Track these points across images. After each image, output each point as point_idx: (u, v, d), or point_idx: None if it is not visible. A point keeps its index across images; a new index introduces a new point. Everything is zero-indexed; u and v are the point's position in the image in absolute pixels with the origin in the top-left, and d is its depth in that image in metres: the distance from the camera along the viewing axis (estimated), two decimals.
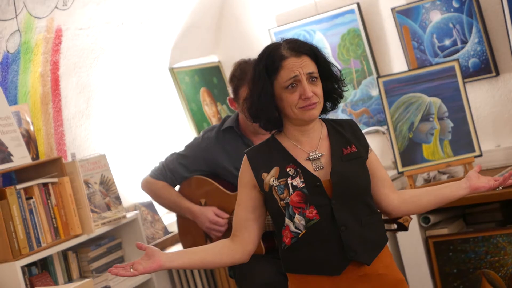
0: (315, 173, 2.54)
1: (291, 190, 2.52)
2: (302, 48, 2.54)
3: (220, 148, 3.60)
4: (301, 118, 2.53)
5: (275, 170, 2.55)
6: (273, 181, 2.54)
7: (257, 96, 2.54)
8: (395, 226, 3.06)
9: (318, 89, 2.54)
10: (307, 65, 2.52)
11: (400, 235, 4.14)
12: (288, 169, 2.54)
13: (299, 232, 2.52)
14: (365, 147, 2.66)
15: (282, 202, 2.53)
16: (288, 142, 2.60)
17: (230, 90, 3.58)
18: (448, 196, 2.69)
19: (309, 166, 2.55)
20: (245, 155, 2.61)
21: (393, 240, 4.21)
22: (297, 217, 2.51)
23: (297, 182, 2.52)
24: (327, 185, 2.52)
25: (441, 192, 2.69)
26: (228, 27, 5.28)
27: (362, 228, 2.54)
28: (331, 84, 2.60)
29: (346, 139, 2.63)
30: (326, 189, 2.52)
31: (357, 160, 2.61)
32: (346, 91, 2.67)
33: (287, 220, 2.53)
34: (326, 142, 2.62)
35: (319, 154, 2.57)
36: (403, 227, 3.06)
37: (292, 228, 2.52)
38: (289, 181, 2.53)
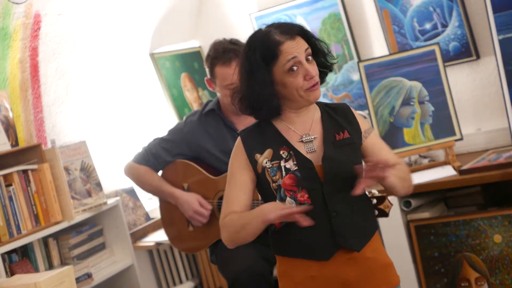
0: (308, 156, 2.53)
1: (283, 172, 2.51)
2: (294, 30, 2.52)
3: (203, 131, 3.59)
4: (307, 100, 2.51)
5: (268, 152, 2.54)
6: (266, 162, 2.52)
7: (259, 87, 2.49)
8: (376, 212, 3.05)
9: (315, 67, 2.53)
10: (303, 45, 2.50)
11: (381, 219, 4.15)
12: (281, 152, 2.53)
13: None
14: (358, 131, 2.63)
15: (274, 184, 2.51)
16: (281, 124, 2.58)
17: (207, 71, 3.58)
18: None
19: (301, 148, 2.54)
20: (239, 136, 2.59)
21: None
22: (288, 200, 2.50)
23: (290, 165, 2.51)
24: (319, 170, 2.52)
25: None
26: (209, 12, 5.25)
27: (353, 214, 2.55)
28: (320, 59, 2.58)
29: (339, 124, 2.62)
30: (318, 173, 2.51)
31: (350, 146, 2.60)
32: (335, 63, 2.67)
33: (278, 202, 2.51)
34: (319, 125, 2.61)
35: (312, 137, 2.57)
36: (384, 213, 3.06)
37: None
38: (282, 163, 2.51)
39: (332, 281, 2.54)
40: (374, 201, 3.04)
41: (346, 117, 2.65)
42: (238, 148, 2.58)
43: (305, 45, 2.51)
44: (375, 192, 3.10)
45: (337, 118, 2.63)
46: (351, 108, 2.68)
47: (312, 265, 2.54)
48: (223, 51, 3.49)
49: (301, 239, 2.52)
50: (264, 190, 2.56)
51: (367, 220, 2.62)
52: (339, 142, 2.58)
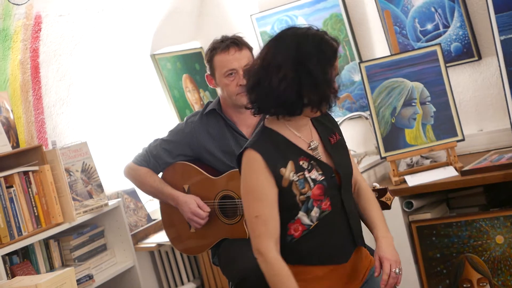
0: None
1: (311, 183, 2.50)
2: None
3: (204, 131, 3.58)
4: (334, 101, 2.51)
5: (291, 165, 2.50)
6: (293, 175, 2.49)
7: (309, 83, 2.43)
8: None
9: None
10: None
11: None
12: (301, 162, 2.51)
13: (311, 224, 2.52)
14: (339, 130, 2.68)
15: (302, 197, 2.49)
16: (287, 132, 2.55)
17: (206, 68, 3.56)
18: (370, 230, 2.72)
19: (316, 156, 2.55)
20: (254, 152, 2.49)
21: None
22: (314, 210, 2.51)
23: (315, 175, 2.51)
24: (336, 176, 2.55)
25: (370, 226, 2.73)
26: (210, 12, 5.25)
27: (356, 212, 2.64)
28: None
29: (328, 128, 2.64)
30: (337, 180, 2.55)
31: (342, 147, 2.64)
32: None
33: (300, 214, 2.51)
34: (314, 131, 2.61)
35: (316, 144, 2.57)
36: (386, 206, 3.07)
37: (305, 221, 2.51)
38: (307, 174, 2.50)
39: (343, 276, 2.60)
40: (376, 194, 3.05)
41: (329, 119, 2.68)
42: (258, 164, 2.48)
43: None
44: (376, 185, 3.10)
45: (323, 121, 2.65)
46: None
47: (325, 272, 2.56)
48: (221, 40, 3.48)
49: (321, 245, 2.54)
50: (286, 203, 2.51)
51: None
52: (334, 145, 2.61)
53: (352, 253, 2.60)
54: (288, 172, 2.49)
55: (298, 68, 2.42)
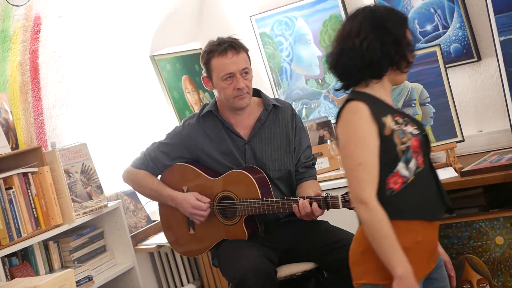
0: None
1: (409, 135, 2.58)
2: None
3: (201, 133, 3.58)
4: (403, 78, 2.70)
5: (390, 116, 2.59)
6: (394, 124, 2.57)
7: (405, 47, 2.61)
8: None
9: None
10: None
11: None
12: (396, 118, 2.59)
13: (409, 177, 2.57)
14: None
15: (402, 146, 2.55)
16: (380, 92, 2.65)
17: (202, 70, 3.56)
18: None
19: None
20: (358, 102, 2.56)
21: None
22: (413, 162, 2.57)
23: (411, 129, 2.60)
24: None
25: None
26: (209, 14, 5.25)
27: None
28: None
29: None
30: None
31: None
32: None
33: (400, 165, 2.55)
34: None
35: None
36: None
37: (404, 172, 2.56)
38: (403, 127, 2.58)
39: (429, 247, 2.66)
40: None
41: None
42: (363, 112, 2.54)
43: None
44: None
45: None
46: None
47: (419, 230, 2.59)
48: (218, 43, 3.48)
49: (420, 200, 2.60)
50: (387, 154, 2.55)
51: None
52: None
53: (442, 213, 2.69)
54: (389, 120, 2.57)
55: (377, 29, 2.57)
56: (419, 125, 2.65)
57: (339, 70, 2.66)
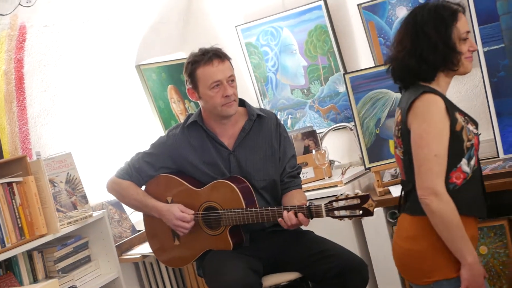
0: None
1: (472, 133, 2.64)
2: None
3: (186, 143, 3.58)
4: (467, 68, 2.71)
5: (457, 113, 2.64)
6: (464, 121, 2.62)
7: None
8: (361, 212, 3.08)
9: None
10: None
11: (366, 229, 4.16)
12: (457, 116, 2.63)
13: (469, 174, 2.63)
14: None
15: (468, 143, 2.62)
16: (444, 88, 2.72)
17: (187, 81, 3.56)
18: None
19: None
20: (435, 95, 2.61)
21: (360, 232, 4.23)
22: (473, 159, 2.64)
23: (472, 128, 2.66)
24: None
25: None
26: (195, 23, 5.26)
27: None
28: None
29: None
30: None
31: None
32: None
33: (463, 161, 2.61)
34: None
35: None
36: (369, 213, 3.09)
37: (466, 168, 2.62)
38: (466, 125, 2.63)
39: (476, 244, 2.70)
40: (358, 201, 3.08)
41: None
42: (440, 106, 2.59)
43: None
44: (358, 192, 3.12)
45: None
46: None
47: (472, 226, 2.67)
48: (202, 53, 3.48)
49: (475, 196, 2.67)
50: (453, 149, 2.60)
51: None
52: None
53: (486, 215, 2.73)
54: (460, 117, 2.63)
55: (417, 36, 2.64)
56: (477, 125, 2.70)
57: (396, 75, 2.75)
